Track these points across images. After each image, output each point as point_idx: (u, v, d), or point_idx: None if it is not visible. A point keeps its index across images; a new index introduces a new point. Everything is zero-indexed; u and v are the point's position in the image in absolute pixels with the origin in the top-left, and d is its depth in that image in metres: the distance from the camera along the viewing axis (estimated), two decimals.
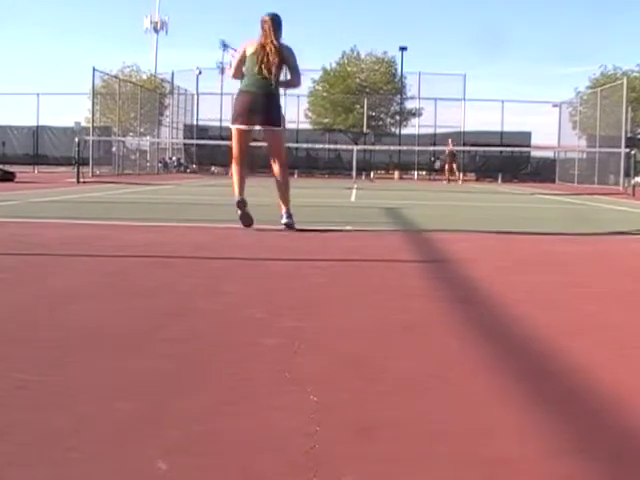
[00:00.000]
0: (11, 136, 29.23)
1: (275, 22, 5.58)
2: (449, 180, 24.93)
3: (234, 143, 5.63)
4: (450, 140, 25.86)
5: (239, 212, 5.43)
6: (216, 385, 1.67)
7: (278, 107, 5.66)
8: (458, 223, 7.12)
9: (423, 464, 1.25)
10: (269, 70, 5.46)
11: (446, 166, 25.46)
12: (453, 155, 25.36)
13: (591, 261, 4.30)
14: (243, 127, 5.56)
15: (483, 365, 1.88)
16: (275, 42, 5.51)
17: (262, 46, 5.51)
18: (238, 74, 5.69)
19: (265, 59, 5.47)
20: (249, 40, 5.66)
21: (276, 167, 5.66)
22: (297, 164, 30.70)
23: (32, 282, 3.06)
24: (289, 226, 5.50)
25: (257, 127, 5.60)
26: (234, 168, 5.69)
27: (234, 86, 6.03)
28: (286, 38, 5.63)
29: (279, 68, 5.56)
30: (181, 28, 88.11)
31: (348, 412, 1.49)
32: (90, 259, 3.78)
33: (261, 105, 5.50)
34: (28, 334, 2.11)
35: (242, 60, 5.62)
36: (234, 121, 5.60)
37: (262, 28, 5.57)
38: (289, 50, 5.63)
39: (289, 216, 5.57)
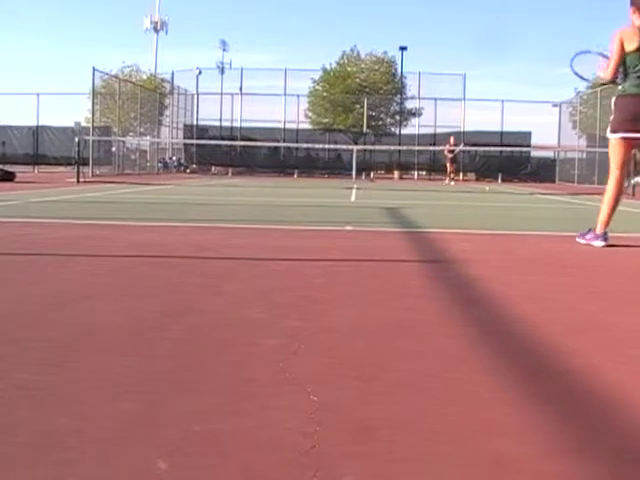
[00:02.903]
0: (11, 136, 29.18)
1: None
2: (452, 179, 24.48)
3: (617, 155, 4.80)
4: (452, 138, 25.64)
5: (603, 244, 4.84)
6: (216, 385, 1.67)
7: None
8: (458, 223, 7.11)
9: (423, 464, 1.25)
10: None
11: (448, 165, 24.89)
12: (453, 153, 24.96)
13: (591, 261, 4.30)
14: (633, 135, 4.76)
15: (483, 365, 1.88)
16: None
17: None
18: (617, 74, 4.81)
19: None
20: (622, 29, 4.72)
21: None
22: (297, 164, 30.81)
23: (32, 282, 3.06)
24: None
25: None
26: (613, 188, 4.90)
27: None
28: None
29: None
30: (181, 28, 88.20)
31: (348, 412, 1.49)
32: (90, 259, 3.78)
33: None
34: (28, 334, 2.11)
35: (622, 57, 4.71)
36: (620, 128, 4.78)
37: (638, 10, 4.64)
38: None
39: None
